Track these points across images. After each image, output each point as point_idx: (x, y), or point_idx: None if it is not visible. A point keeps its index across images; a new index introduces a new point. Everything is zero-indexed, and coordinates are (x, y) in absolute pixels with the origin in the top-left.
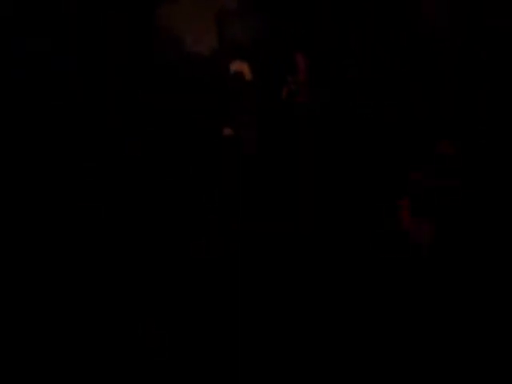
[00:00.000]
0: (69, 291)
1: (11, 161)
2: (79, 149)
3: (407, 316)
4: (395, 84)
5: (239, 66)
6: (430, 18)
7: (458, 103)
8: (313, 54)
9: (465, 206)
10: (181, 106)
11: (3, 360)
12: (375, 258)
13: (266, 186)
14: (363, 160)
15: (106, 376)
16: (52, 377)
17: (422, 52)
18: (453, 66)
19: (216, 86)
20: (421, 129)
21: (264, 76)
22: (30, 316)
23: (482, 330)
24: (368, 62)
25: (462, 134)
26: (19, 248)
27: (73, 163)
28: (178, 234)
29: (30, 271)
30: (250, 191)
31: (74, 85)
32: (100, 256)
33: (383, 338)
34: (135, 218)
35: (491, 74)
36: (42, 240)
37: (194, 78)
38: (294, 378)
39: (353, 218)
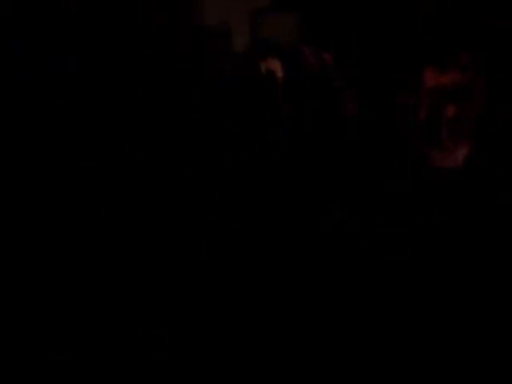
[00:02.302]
0: (68, 291)
1: (11, 161)
2: (79, 149)
3: (407, 316)
4: (395, 84)
5: (271, 64)
6: (430, 18)
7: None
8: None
9: None
10: (181, 106)
11: (3, 360)
12: (375, 258)
13: (266, 186)
14: (363, 160)
15: (105, 376)
16: (51, 376)
17: (421, 52)
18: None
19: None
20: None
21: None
22: (29, 316)
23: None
24: (368, 62)
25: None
26: (18, 248)
27: (73, 163)
28: (178, 234)
29: (29, 271)
30: (250, 191)
31: (74, 85)
32: (100, 256)
33: (384, 339)
34: (135, 217)
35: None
36: (42, 240)
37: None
38: (294, 378)
39: (353, 218)
